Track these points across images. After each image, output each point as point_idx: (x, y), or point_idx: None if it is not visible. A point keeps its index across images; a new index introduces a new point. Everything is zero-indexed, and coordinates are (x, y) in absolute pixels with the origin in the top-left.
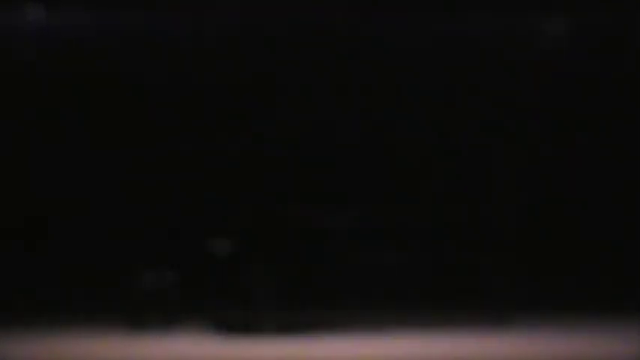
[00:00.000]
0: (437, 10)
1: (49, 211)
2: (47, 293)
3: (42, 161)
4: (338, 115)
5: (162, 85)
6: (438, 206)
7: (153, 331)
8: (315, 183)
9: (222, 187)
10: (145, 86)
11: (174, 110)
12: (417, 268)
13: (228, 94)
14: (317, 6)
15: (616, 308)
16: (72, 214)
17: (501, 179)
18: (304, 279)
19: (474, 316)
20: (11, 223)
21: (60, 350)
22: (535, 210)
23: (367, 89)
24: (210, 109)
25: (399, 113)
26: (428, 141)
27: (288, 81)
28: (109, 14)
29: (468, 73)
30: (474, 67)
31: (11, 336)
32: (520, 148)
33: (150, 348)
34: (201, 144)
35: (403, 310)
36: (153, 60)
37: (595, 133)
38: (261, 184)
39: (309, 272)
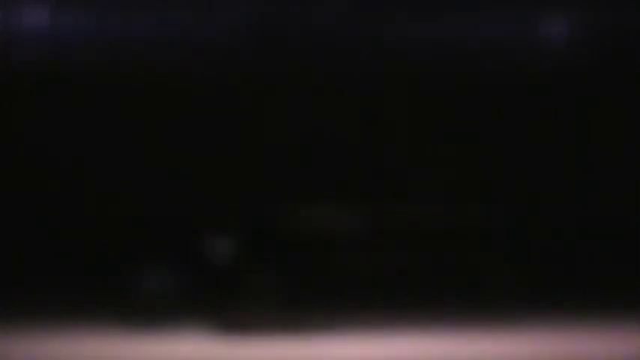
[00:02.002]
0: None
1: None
2: (47, 291)
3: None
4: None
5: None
6: (439, 207)
7: (153, 331)
8: (315, 183)
9: (223, 186)
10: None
11: (171, 108)
12: (417, 268)
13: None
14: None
15: (616, 307)
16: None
17: (502, 178)
18: (305, 278)
19: (474, 315)
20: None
21: (58, 349)
22: (535, 209)
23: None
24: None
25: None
26: (428, 140)
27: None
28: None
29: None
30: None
31: (8, 334)
32: (521, 148)
33: (149, 348)
34: (199, 142)
35: (403, 310)
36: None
37: (597, 134)
38: (262, 184)
39: (310, 272)
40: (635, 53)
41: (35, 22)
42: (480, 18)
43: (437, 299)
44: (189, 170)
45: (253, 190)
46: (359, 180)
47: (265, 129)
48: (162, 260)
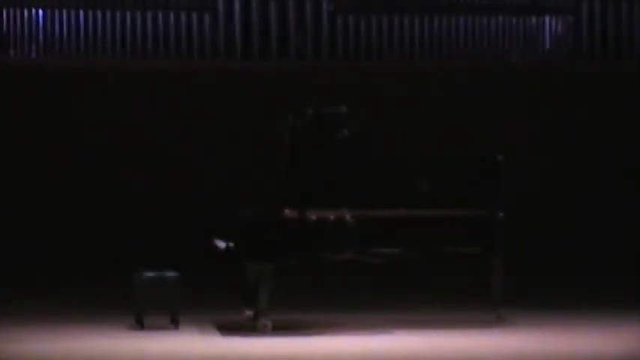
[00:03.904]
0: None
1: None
2: (48, 290)
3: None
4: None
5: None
6: (438, 204)
7: (152, 329)
8: (315, 184)
9: (223, 186)
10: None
11: (174, 109)
12: (415, 265)
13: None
14: None
15: (616, 304)
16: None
17: (501, 177)
18: (304, 277)
19: (473, 313)
20: None
21: (59, 346)
22: (533, 207)
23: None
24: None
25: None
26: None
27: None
28: None
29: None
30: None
31: (9, 333)
32: (519, 146)
33: (149, 345)
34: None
35: (403, 309)
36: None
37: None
38: (261, 184)
39: (308, 269)
40: None
41: None
42: None
43: (435, 296)
44: (188, 170)
45: (253, 190)
46: (358, 179)
47: None
48: (162, 259)
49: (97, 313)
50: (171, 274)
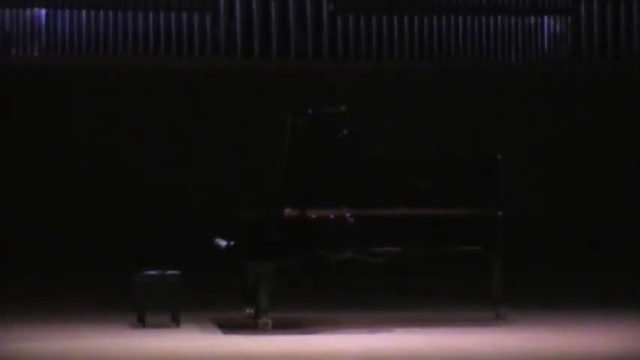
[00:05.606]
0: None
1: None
2: (48, 291)
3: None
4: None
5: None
6: (437, 204)
7: (154, 328)
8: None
9: (223, 185)
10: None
11: (174, 108)
12: (415, 265)
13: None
14: None
15: (616, 304)
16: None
17: (501, 176)
18: (304, 276)
19: (473, 312)
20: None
21: (60, 345)
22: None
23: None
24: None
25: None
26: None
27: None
28: None
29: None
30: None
31: (10, 332)
32: (520, 147)
33: (150, 344)
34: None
35: (403, 308)
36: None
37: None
38: (262, 184)
39: (308, 269)
40: None
41: None
42: None
43: (436, 296)
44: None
45: (253, 190)
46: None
47: None
48: (162, 258)
49: (98, 313)
50: (172, 273)
